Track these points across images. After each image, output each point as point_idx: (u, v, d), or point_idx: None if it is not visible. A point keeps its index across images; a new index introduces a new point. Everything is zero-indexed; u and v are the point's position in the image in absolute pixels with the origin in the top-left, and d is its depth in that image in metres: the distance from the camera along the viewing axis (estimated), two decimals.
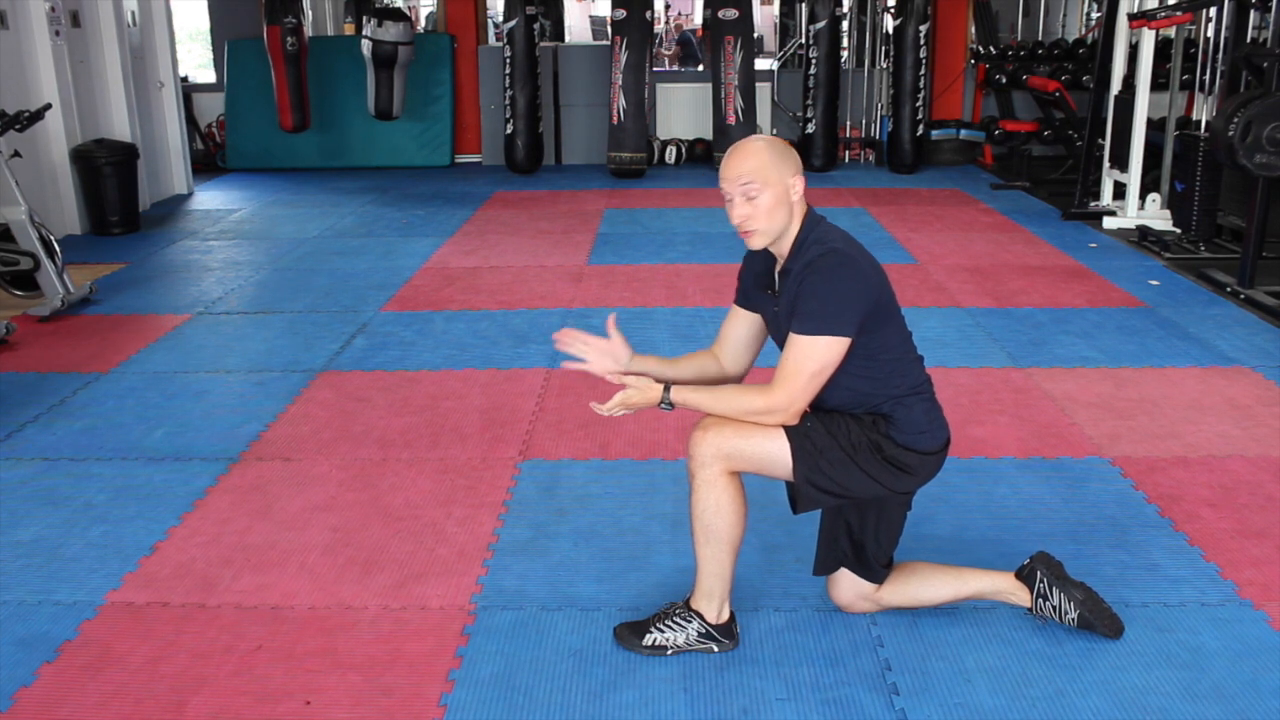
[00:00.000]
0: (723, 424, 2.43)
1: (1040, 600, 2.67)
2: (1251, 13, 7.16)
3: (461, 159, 10.69)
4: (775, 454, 2.42)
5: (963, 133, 10.22)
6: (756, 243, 2.45)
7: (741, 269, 2.67)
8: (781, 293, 2.48)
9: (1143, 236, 6.91)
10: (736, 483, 2.47)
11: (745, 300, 2.65)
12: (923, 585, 2.70)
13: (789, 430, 2.42)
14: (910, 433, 2.47)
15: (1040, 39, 10.59)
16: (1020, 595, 2.69)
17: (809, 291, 2.36)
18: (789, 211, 2.42)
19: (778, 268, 2.52)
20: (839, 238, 2.44)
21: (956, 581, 2.70)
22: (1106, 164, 7.77)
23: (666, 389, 2.49)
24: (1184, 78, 7.81)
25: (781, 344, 2.51)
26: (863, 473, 2.45)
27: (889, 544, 2.62)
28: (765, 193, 2.38)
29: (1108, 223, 7.43)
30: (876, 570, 2.65)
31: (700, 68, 14.21)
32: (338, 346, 5.01)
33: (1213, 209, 6.79)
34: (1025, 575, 2.69)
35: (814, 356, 2.36)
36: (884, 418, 2.47)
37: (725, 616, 2.62)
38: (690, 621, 2.60)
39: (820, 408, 2.49)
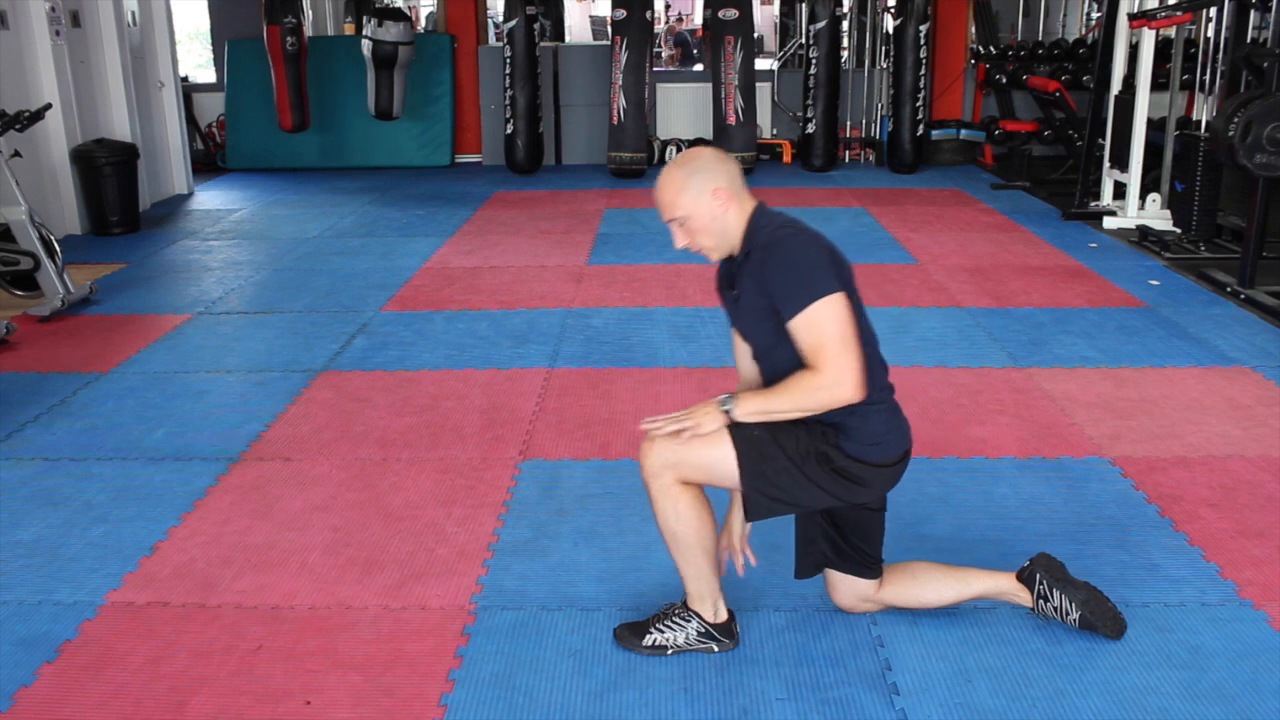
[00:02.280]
0: (666, 436, 2.41)
1: (1041, 601, 2.67)
2: (1251, 13, 7.15)
3: (461, 159, 10.69)
4: (719, 462, 2.39)
5: (963, 133, 10.22)
6: (713, 257, 2.49)
7: (716, 285, 2.63)
8: (739, 284, 2.46)
9: (1143, 236, 6.91)
10: (693, 488, 2.45)
11: (730, 319, 2.60)
12: (925, 587, 2.70)
13: (734, 437, 2.38)
14: (863, 444, 2.42)
15: (1040, 39, 10.59)
16: (1023, 596, 2.69)
17: (773, 275, 2.33)
18: (723, 223, 2.41)
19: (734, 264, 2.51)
20: (782, 220, 2.43)
21: (959, 584, 2.70)
22: (1106, 164, 7.77)
23: (727, 410, 2.38)
24: (1184, 78, 7.81)
25: (745, 335, 2.50)
26: (811, 483, 2.42)
27: (870, 546, 2.62)
28: (691, 219, 2.40)
29: (1108, 223, 7.43)
30: (863, 568, 2.64)
31: (700, 68, 14.20)
32: (338, 346, 5.01)
33: (1213, 209, 6.79)
34: (1025, 578, 2.69)
35: (823, 325, 2.29)
36: (835, 428, 2.42)
37: (723, 615, 2.62)
38: (689, 621, 2.60)
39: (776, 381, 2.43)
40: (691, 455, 2.40)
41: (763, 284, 2.36)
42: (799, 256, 2.33)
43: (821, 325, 2.29)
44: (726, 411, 2.38)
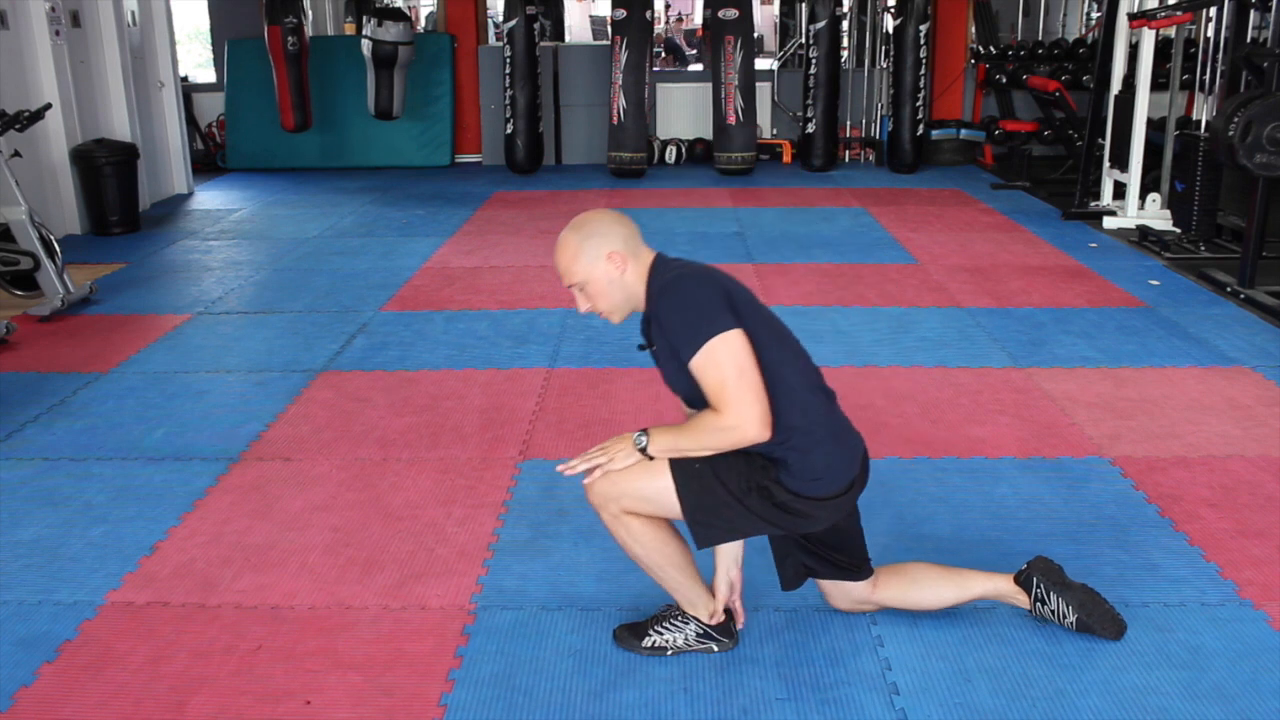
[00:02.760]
0: (576, 473, 2.41)
1: (1038, 604, 2.67)
2: (1251, 13, 7.16)
3: (461, 159, 10.69)
4: (661, 493, 2.38)
5: (963, 133, 10.22)
6: (614, 320, 2.46)
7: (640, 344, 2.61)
8: (654, 338, 2.45)
9: (1143, 236, 6.91)
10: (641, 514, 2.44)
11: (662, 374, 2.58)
12: (925, 590, 2.69)
13: (674, 469, 2.37)
14: (803, 479, 2.38)
15: (1040, 39, 10.59)
16: (1021, 598, 2.69)
17: (667, 322, 2.32)
18: (620, 285, 2.38)
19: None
20: (675, 264, 2.41)
21: (958, 587, 2.70)
22: (1106, 164, 7.77)
23: (642, 448, 2.38)
24: (1184, 78, 7.81)
25: (671, 386, 2.49)
26: (754, 516, 2.40)
27: (848, 555, 2.61)
28: (589, 284, 2.38)
29: (1108, 223, 7.43)
30: (849, 573, 2.63)
31: (699, 68, 14.20)
32: (338, 346, 5.02)
33: (1213, 209, 6.79)
34: (1023, 581, 2.69)
35: (720, 364, 2.26)
36: (774, 462, 2.38)
37: (720, 616, 2.62)
38: (688, 623, 2.61)
39: None
40: (631, 487, 2.38)
41: (663, 332, 2.35)
42: (689, 298, 2.30)
43: (719, 365, 2.26)
44: (643, 449, 2.37)
